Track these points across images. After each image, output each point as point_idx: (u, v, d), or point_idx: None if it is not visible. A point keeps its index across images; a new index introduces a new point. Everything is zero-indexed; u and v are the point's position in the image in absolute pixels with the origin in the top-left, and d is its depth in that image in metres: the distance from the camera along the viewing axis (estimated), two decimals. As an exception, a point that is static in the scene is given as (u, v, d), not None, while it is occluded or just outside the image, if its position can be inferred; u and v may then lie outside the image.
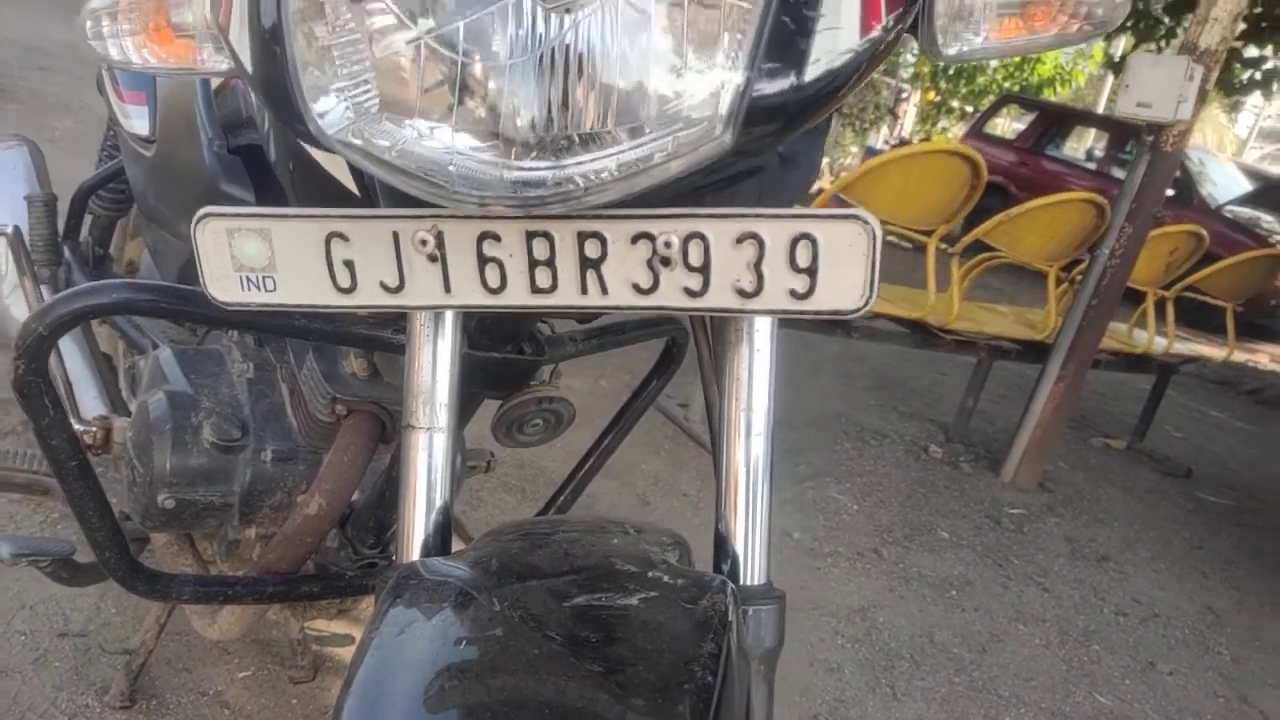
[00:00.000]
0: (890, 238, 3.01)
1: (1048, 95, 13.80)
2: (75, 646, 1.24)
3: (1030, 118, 11.93)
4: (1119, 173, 10.55)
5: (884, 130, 13.93)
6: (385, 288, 0.53)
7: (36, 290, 1.13)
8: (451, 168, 0.44)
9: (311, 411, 0.85)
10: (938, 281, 2.75)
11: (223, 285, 0.55)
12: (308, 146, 0.58)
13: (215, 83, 0.93)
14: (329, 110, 0.44)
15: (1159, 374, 3.70)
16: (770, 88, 0.43)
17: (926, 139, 14.62)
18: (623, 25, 0.42)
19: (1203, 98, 2.65)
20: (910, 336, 2.88)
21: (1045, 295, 3.03)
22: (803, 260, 0.50)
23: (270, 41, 0.45)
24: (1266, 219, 10.38)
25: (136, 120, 1.07)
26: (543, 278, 0.51)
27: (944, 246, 2.69)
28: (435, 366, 0.57)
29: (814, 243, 0.49)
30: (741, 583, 0.58)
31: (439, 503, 0.57)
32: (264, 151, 0.74)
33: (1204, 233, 3.10)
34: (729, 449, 0.59)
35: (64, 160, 3.42)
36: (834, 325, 2.67)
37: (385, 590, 0.52)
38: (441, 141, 0.44)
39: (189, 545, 0.97)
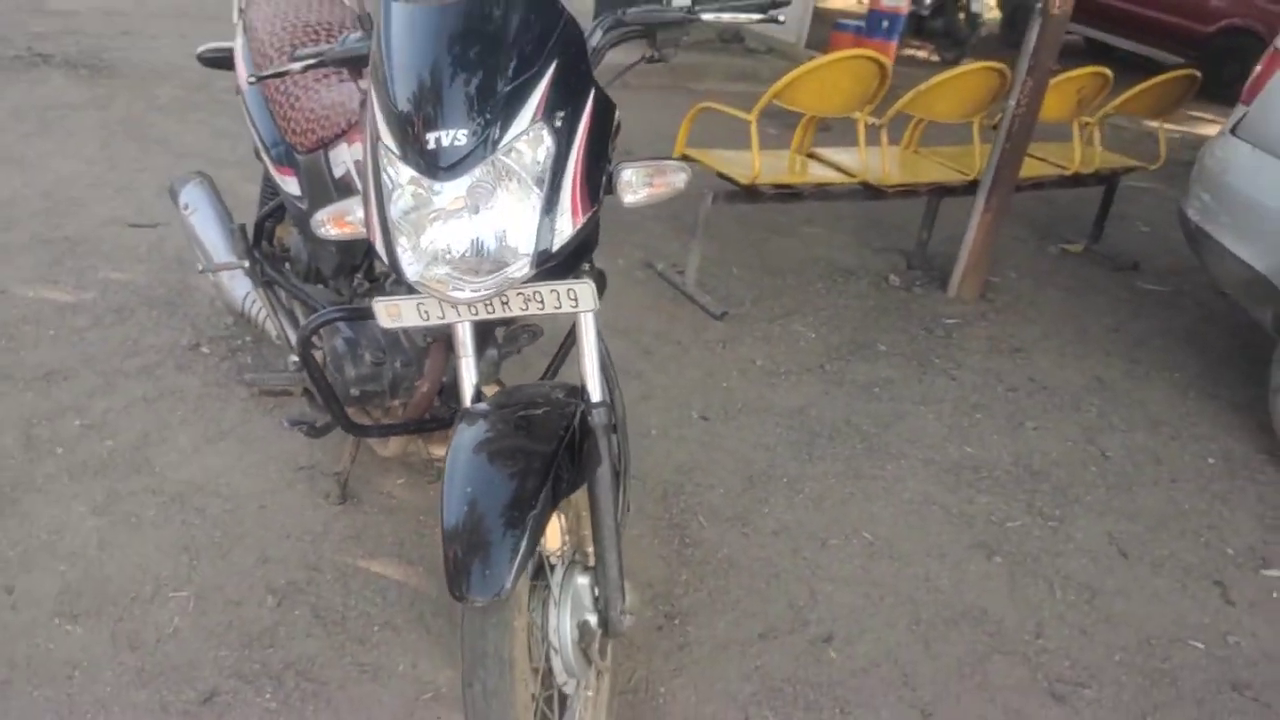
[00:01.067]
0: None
1: None
2: (308, 475, 2.21)
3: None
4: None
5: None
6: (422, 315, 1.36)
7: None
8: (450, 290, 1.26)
9: (415, 341, 1.72)
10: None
11: (384, 309, 1.40)
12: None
13: (339, 173, 1.75)
14: (408, 261, 1.27)
15: (1106, 185, 4.31)
16: (542, 247, 1.24)
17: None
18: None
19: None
20: (862, 192, 3.59)
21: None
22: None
23: (386, 232, 1.27)
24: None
25: (290, 185, 1.92)
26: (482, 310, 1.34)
27: (872, 120, 3.37)
28: (466, 336, 1.41)
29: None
30: (592, 400, 1.42)
31: (476, 378, 1.42)
32: None
33: (1108, 72, 3.65)
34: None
35: (178, 127, 4.28)
36: (788, 196, 3.42)
37: (458, 419, 1.38)
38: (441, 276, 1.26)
39: (364, 412, 1.88)
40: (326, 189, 1.79)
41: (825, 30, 7.95)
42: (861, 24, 8.03)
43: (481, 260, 1.20)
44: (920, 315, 3.54)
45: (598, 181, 1.27)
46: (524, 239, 1.20)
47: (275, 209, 2.22)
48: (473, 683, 1.20)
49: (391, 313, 1.32)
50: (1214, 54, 9.50)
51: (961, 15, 9.45)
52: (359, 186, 1.61)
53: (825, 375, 3.01)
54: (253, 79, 1.55)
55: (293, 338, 2.01)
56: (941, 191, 3.74)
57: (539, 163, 1.20)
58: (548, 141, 1.21)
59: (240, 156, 4.01)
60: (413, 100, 1.19)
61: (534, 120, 1.19)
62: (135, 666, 1.66)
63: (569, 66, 1.24)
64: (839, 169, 3.50)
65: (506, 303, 1.30)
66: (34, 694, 1.58)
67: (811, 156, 3.63)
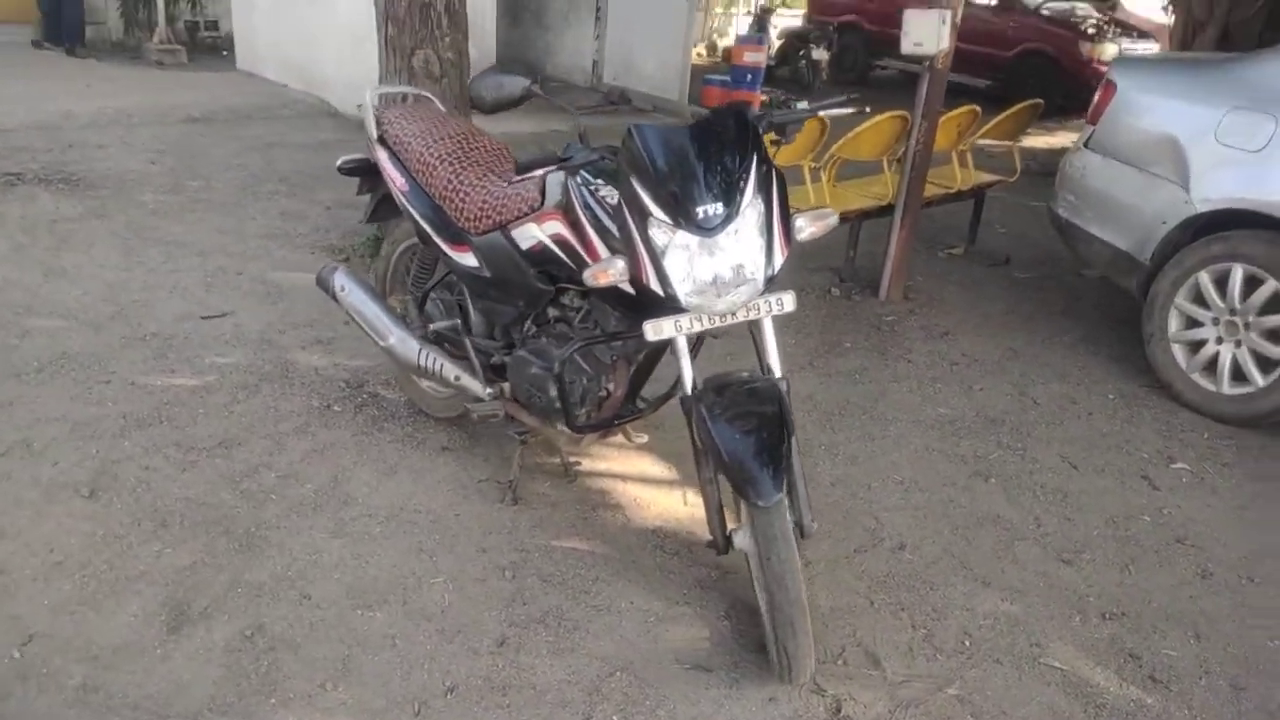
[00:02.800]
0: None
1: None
2: (478, 488, 2.75)
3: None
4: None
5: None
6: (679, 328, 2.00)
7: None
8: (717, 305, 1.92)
9: (603, 360, 2.33)
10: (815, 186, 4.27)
11: (651, 328, 2.02)
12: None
13: (527, 245, 2.34)
14: (684, 291, 1.90)
15: (974, 197, 5.31)
16: (768, 274, 1.92)
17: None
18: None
19: (954, 29, 4.13)
20: (805, 223, 4.39)
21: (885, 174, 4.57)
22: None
23: (660, 273, 1.90)
24: (1080, 7, 11.95)
25: (466, 259, 2.50)
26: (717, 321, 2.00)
27: (813, 165, 4.20)
28: (683, 343, 2.04)
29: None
30: (778, 375, 2.08)
31: (692, 372, 2.06)
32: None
33: (977, 109, 4.63)
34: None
35: (180, 228, 4.64)
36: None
37: (695, 399, 2.00)
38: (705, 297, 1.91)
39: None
40: (512, 259, 2.39)
41: (698, 86, 8.90)
42: (727, 78, 9.05)
43: (731, 285, 1.87)
44: (866, 316, 4.37)
45: (789, 226, 1.96)
46: (757, 268, 1.89)
47: (441, 278, 2.77)
48: (769, 557, 1.84)
49: (657, 330, 1.96)
50: (1015, 75, 11.13)
51: (803, 63, 10.67)
52: (559, 254, 2.23)
53: (817, 370, 3.76)
54: (544, 173, 2.21)
55: (475, 377, 2.58)
56: (863, 216, 4.60)
57: (760, 219, 1.89)
58: (760, 206, 1.90)
59: (250, 249, 4.45)
60: (680, 186, 1.85)
61: (753, 194, 1.88)
62: (437, 630, 2.19)
63: (760, 156, 1.94)
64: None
65: (736, 313, 1.97)
66: (374, 659, 2.09)
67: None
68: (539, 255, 2.33)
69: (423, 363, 2.68)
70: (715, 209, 1.86)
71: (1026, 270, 5.26)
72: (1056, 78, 10.87)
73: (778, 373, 2.09)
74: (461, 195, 2.51)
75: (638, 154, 1.92)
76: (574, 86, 9.06)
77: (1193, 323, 3.64)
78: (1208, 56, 4.11)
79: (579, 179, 2.17)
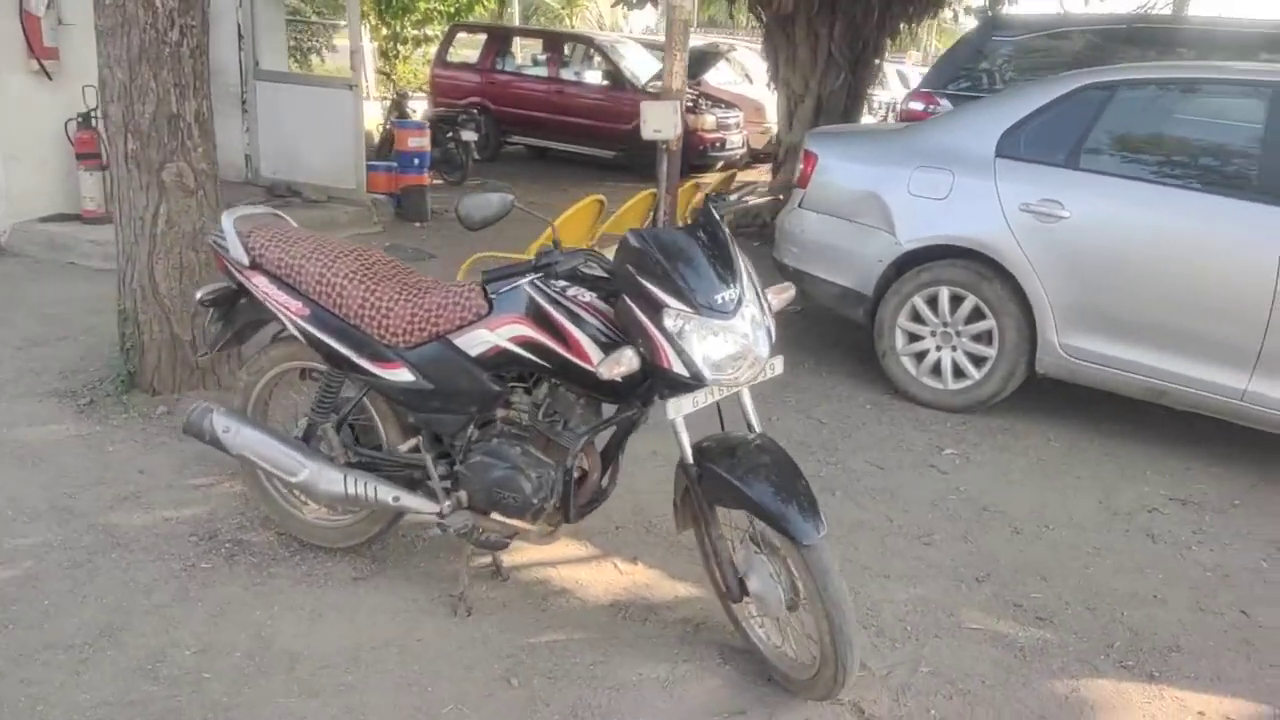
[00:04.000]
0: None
1: (479, 15, 15.86)
2: (427, 607, 2.62)
3: (481, 40, 13.84)
4: (565, 73, 13.08)
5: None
6: (696, 403, 2.18)
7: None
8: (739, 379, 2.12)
9: (566, 449, 2.41)
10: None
11: (673, 404, 2.16)
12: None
13: (477, 351, 2.35)
14: (707, 369, 2.08)
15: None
16: (770, 342, 2.17)
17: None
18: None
19: (683, 116, 4.71)
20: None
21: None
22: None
23: (681, 356, 2.06)
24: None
25: (399, 375, 2.43)
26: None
27: (590, 243, 4.51)
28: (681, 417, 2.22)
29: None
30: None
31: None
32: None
33: (603, 199, 5.24)
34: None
35: None
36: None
37: (693, 464, 2.20)
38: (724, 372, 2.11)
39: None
40: (459, 367, 2.39)
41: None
42: (393, 164, 9.06)
43: (747, 359, 2.11)
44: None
45: (768, 303, 2.25)
46: (763, 341, 2.15)
47: (357, 403, 2.62)
48: (826, 587, 2.08)
49: (679, 407, 2.14)
50: (634, 145, 12.38)
51: (453, 144, 10.97)
52: (523, 354, 2.30)
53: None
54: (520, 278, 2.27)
55: (420, 494, 2.52)
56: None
57: (758, 298, 2.16)
58: (758, 288, 2.17)
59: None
60: (693, 278, 2.06)
61: (748, 278, 2.15)
62: (483, 755, 2.11)
63: (745, 250, 2.21)
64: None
65: (744, 378, 2.20)
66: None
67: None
68: (493, 359, 2.36)
69: (352, 490, 2.53)
70: (728, 294, 2.10)
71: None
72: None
73: (758, 428, 2.35)
74: (384, 312, 2.45)
75: (645, 254, 2.10)
76: (228, 183, 8.48)
77: (915, 337, 4.48)
78: (883, 128, 5.10)
79: (538, 284, 2.27)
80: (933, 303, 4.37)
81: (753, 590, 2.30)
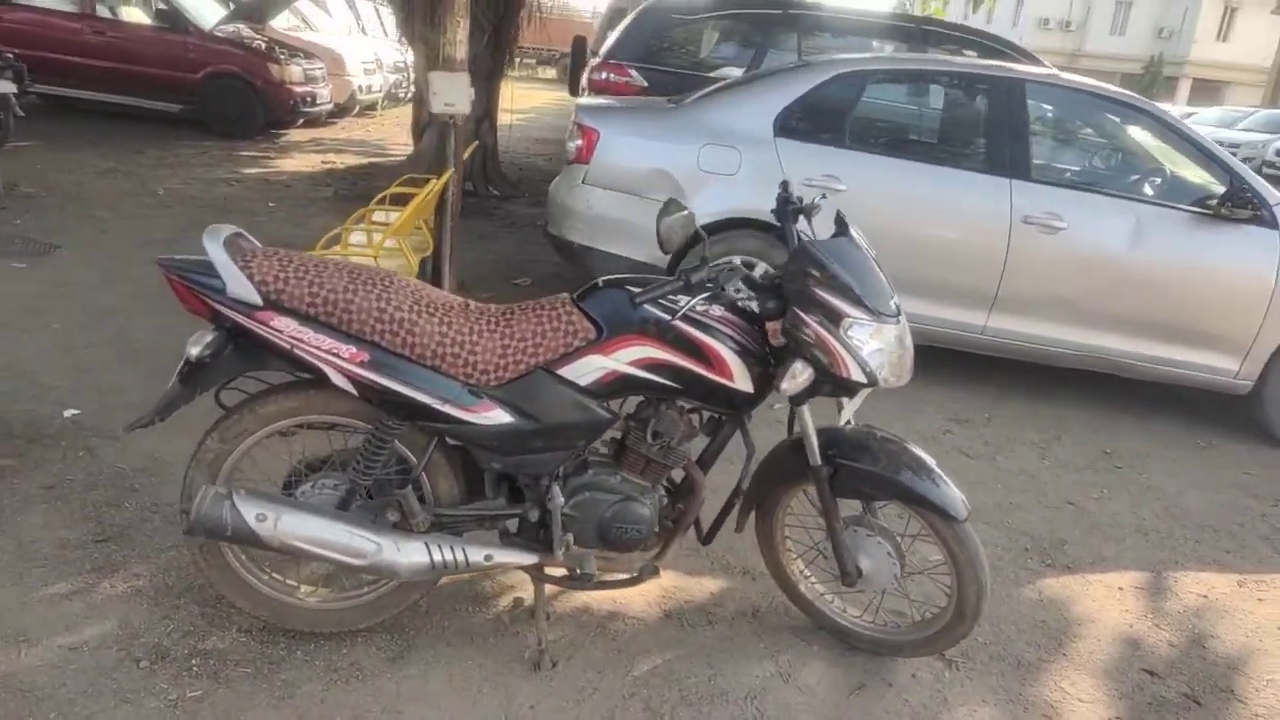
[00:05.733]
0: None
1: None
2: (505, 669, 2.29)
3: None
4: (103, 9, 10.99)
5: None
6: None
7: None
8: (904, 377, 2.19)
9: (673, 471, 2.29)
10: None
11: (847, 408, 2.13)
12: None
13: (587, 380, 2.10)
14: (883, 372, 2.12)
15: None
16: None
17: None
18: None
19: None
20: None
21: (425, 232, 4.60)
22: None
23: (856, 358, 2.09)
24: (241, 28, 12.17)
25: (494, 416, 2.09)
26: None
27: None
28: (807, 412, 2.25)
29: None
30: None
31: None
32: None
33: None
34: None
35: None
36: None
37: (825, 462, 2.26)
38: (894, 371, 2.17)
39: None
40: (568, 399, 2.15)
41: None
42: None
43: (910, 357, 2.22)
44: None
45: None
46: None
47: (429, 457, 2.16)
48: (976, 554, 2.29)
49: (849, 412, 2.19)
50: (209, 98, 10.93)
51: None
52: (649, 378, 2.15)
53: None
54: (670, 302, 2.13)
55: (518, 546, 2.25)
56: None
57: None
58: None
59: None
60: (870, 288, 2.10)
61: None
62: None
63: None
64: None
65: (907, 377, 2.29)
66: None
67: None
68: (608, 386, 2.16)
69: (438, 557, 2.13)
70: (895, 299, 2.18)
71: (539, 285, 5.84)
72: (255, 100, 11.07)
73: (853, 422, 2.46)
74: (468, 348, 2.08)
75: (821, 266, 2.08)
76: None
77: (707, 304, 4.79)
78: (654, 104, 5.16)
79: (660, 304, 2.14)
80: (726, 271, 4.71)
81: (866, 571, 2.45)
